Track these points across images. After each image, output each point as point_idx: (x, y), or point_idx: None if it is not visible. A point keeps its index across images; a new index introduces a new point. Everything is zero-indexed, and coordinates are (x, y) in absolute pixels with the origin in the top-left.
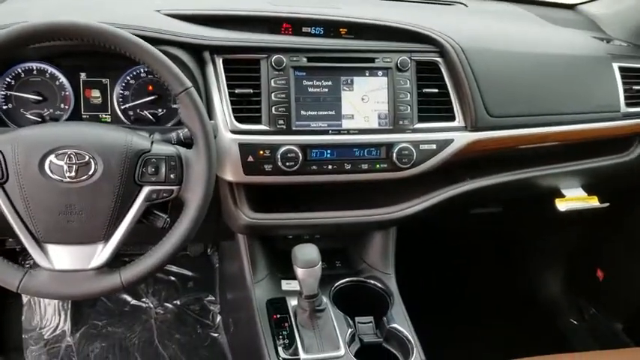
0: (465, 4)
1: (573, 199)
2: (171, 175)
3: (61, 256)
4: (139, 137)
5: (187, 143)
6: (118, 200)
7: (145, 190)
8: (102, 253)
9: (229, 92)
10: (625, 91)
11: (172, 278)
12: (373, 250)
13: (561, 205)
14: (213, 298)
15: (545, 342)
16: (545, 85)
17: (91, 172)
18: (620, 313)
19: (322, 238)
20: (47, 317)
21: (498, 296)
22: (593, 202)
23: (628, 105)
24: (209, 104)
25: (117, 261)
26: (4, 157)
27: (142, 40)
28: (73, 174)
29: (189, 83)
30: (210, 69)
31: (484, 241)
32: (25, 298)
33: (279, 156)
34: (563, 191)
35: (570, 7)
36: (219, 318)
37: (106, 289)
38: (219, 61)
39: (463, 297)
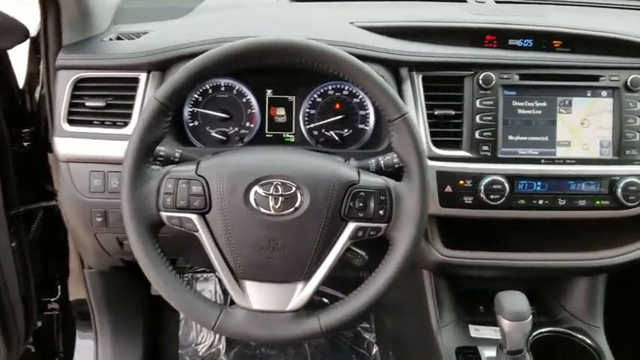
0: None
1: None
2: (380, 212)
3: (259, 295)
4: (345, 167)
5: (387, 172)
6: (322, 237)
7: (351, 226)
8: (301, 294)
9: (428, 113)
10: None
11: (325, 300)
12: (577, 296)
13: None
14: (368, 326)
15: None
16: None
17: (296, 205)
18: None
19: (515, 279)
20: (203, 334)
21: None
22: None
23: None
24: None
25: None
26: (208, 185)
27: (358, 60)
28: (278, 206)
29: (406, 109)
30: (407, 87)
31: None
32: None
33: (482, 187)
34: None
35: None
36: (375, 349)
37: (303, 334)
38: (419, 79)
39: None
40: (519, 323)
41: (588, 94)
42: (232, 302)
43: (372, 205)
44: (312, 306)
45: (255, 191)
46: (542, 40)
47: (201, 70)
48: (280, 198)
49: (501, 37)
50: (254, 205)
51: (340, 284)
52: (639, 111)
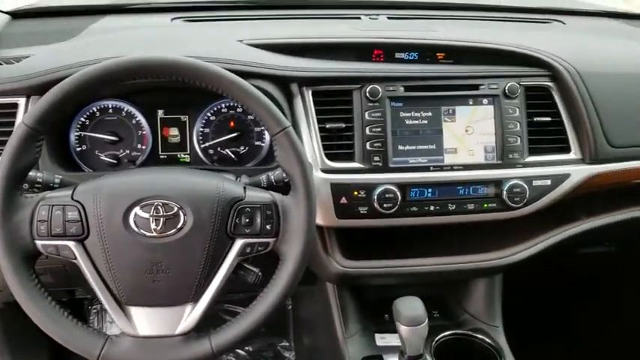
0: (562, 22)
1: None
2: (267, 226)
3: (146, 321)
4: (231, 183)
5: (279, 187)
6: (208, 256)
7: (238, 243)
8: (190, 315)
9: (319, 127)
10: None
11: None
12: (476, 298)
13: None
14: (288, 344)
15: None
16: None
17: (179, 225)
18: None
19: (418, 284)
20: None
21: (615, 347)
22: None
23: None
24: None
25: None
26: (84, 210)
27: (235, 76)
28: (159, 227)
29: (287, 122)
30: (298, 102)
31: (593, 285)
32: None
33: (375, 197)
34: None
35: None
36: None
37: (195, 356)
38: (309, 94)
39: (575, 347)
40: (416, 328)
41: (470, 103)
42: None
43: (258, 220)
44: None
45: (135, 213)
46: (427, 52)
47: (68, 93)
48: (162, 219)
49: (388, 51)
50: (134, 227)
51: None
52: (518, 116)
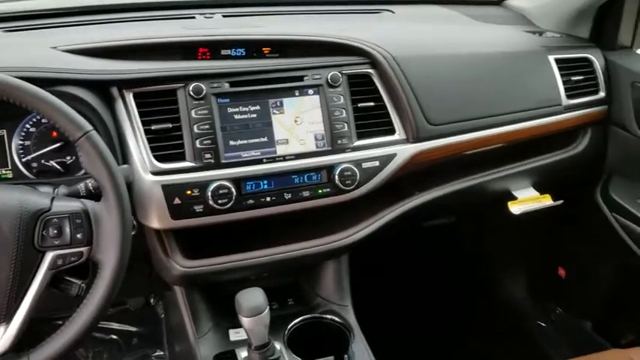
0: (391, 11)
1: (526, 200)
2: (78, 235)
3: None
4: (36, 195)
5: (98, 194)
6: (16, 273)
7: (49, 256)
8: (4, 336)
9: (145, 129)
10: (564, 83)
11: (114, 337)
12: (326, 281)
13: (515, 209)
14: (162, 353)
15: (515, 348)
16: (483, 86)
17: None
18: (586, 310)
19: (270, 275)
20: None
21: (462, 309)
22: (547, 200)
23: (569, 97)
24: (123, 145)
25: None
26: None
27: (22, 82)
28: None
29: (88, 126)
30: (119, 106)
31: (441, 254)
32: None
33: (209, 194)
34: (515, 193)
35: (496, 3)
36: None
37: None
38: (129, 96)
39: (426, 316)
40: (256, 318)
41: (297, 94)
42: None
43: (67, 230)
44: None
45: None
46: (253, 48)
47: None
48: None
49: (213, 49)
50: None
51: None
52: (343, 104)
